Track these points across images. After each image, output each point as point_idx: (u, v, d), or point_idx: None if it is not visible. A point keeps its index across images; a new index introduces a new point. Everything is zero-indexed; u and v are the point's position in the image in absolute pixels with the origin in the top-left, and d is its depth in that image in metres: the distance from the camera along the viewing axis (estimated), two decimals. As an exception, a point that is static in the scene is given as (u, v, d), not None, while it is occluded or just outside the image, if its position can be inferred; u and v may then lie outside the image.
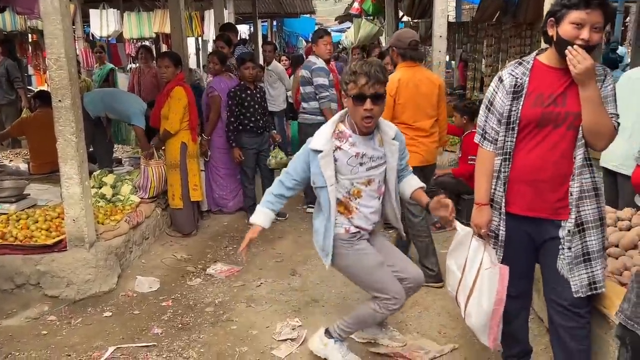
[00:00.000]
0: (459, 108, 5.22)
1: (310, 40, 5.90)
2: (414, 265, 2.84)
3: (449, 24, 6.94)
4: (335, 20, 19.71)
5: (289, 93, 7.55)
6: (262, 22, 17.10)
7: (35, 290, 3.75)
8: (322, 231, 2.68)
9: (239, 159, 5.27)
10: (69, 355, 3.09)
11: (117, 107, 5.50)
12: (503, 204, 2.39)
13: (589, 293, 2.31)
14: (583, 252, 2.29)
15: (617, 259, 2.74)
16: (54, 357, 3.08)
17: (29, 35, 10.65)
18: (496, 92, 2.36)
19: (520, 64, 2.35)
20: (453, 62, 14.76)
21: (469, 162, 4.95)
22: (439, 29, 5.52)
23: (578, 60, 2.10)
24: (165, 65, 4.82)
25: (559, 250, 2.33)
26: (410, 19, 10.00)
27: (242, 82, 5.26)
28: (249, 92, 5.23)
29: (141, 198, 4.88)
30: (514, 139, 2.31)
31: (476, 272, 2.50)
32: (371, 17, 9.10)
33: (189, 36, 9.26)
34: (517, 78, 2.30)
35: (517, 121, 2.29)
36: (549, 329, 2.55)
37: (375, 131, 2.63)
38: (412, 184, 2.79)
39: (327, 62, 5.34)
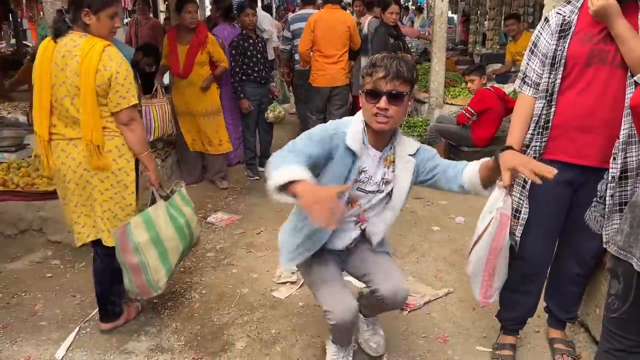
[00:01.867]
0: (476, 71, 5.10)
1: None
2: (395, 279, 2.27)
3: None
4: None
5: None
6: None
7: (39, 236, 3.81)
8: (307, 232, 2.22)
9: (249, 109, 5.21)
10: (74, 296, 3.17)
11: None
12: (539, 150, 2.27)
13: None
14: (620, 202, 2.18)
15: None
16: (59, 298, 3.16)
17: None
18: (541, 33, 2.25)
19: (569, 2, 2.24)
20: (455, 16, 14.54)
21: (464, 111, 4.97)
22: (442, -22, 5.41)
23: (591, 1, 2.04)
24: (195, 10, 4.75)
25: (592, 201, 2.25)
26: None
27: (243, 32, 5.18)
28: (251, 41, 5.15)
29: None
30: (559, 80, 2.18)
31: (488, 221, 2.34)
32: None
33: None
34: (564, 16, 2.19)
35: (563, 61, 2.16)
36: (551, 271, 2.53)
37: (388, 148, 2.16)
38: (474, 167, 2.09)
39: None
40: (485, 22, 9.27)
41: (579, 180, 2.27)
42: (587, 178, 2.26)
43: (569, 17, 2.18)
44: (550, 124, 2.24)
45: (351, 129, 2.07)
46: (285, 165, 1.78)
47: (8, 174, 4.14)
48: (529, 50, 2.30)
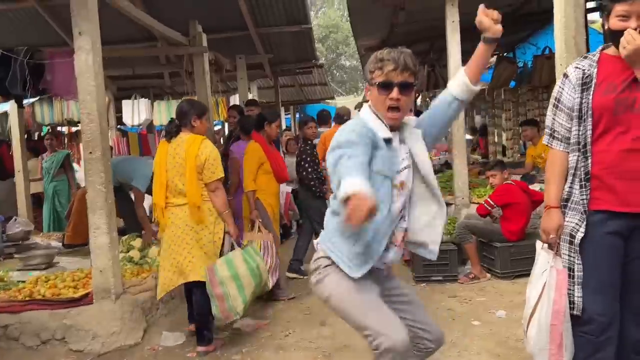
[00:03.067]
0: (497, 166, 5.17)
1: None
2: (436, 325, 2.29)
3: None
4: (355, 108, 20.42)
5: None
6: (286, 114, 17.84)
7: (60, 346, 3.67)
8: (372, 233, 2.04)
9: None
10: (92, 403, 2.97)
11: (126, 168, 5.29)
12: (584, 202, 2.20)
13: None
14: None
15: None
16: (76, 405, 2.95)
17: (65, 128, 11.23)
18: (562, 88, 2.29)
19: (585, 57, 2.30)
20: (471, 137, 14.94)
21: (484, 202, 4.89)
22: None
23: (627, 40, 2.07)
24: (279, 124, 5.35)
25: None
26: (424, 93, 10.29)
27: (309, 141, 5.72)
28: (315, 149, 5.72)
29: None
30: (590, 132, 2.18)
31: (541, 287, 2.25)
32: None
33: (215, 120, 9.66)
34: (583, 70, 2.24)
35: (590, 112, 2.18)
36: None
37: (400, 129, 2.20)
38: (458, 75, 2.18)
39: None
40: (503, 135, 9.48)
41: (628, 229, 2.17)
42: (636, 226, 2.15)
43: (588, 71, 2.23)
44: (589, 175, 2.20)
45: (372, 125, 2.11)
46: (350, 177, 1.77)
47: (36, 287, 4.13)
48: (553, 106, 2.32)
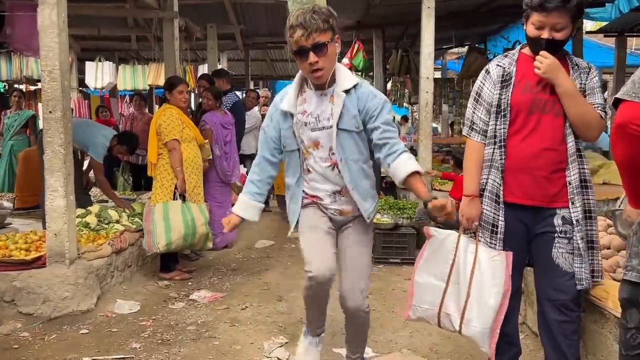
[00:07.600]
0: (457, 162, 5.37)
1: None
2: (354, 289, 2.48)
3: (435, 80, 7.13)
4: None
5: None
6: (255, 88, 17.64)
7: (9, 308, 3.58)
8: (290, 195, 2.57)
9: None
10: (39, 367, 2.91)
11: (80, 134, 4.78)
12: (500, 193, 2.34)
13: (592, 283, 2.32)
14: (587, 240, 2.29)
15: (607, 259, 2.71)
16: (23, 369, 2.90)
17: (24, 86, 10.78)
18: (483, 84, 2.39)
19: (506, 56, 2.42)
20: (438, 126, 15.15)
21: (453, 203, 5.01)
22: (426, 71, 5.69)
23: (540, 61, 2.20)
24: None
25: (555, 240, 2.29)
26: (396, 75, 10.33)
27: None
28: None
29: None
30: (507, 127, 2.31)
31: (470, 271, 2.36)
32: (359, 73, 9.41)
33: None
34: (504, 68, 2.35)
35: (508, 108, 2.30)
36: (540, 326, 2.43)
37: (333, 87, 2.38)
38: (406, 165, 2.33)
39: None
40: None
41: (533, 220, 2.35)
42: (541, 217, 2.33)
43: (508, 69, 2.34)
44: (503, 168, 2.34)
45: (287, 92, 2.46)
46: (244, 192, 2.59)
47: (-15, 247, 3.99)
48: (474, 100, 2.43)
